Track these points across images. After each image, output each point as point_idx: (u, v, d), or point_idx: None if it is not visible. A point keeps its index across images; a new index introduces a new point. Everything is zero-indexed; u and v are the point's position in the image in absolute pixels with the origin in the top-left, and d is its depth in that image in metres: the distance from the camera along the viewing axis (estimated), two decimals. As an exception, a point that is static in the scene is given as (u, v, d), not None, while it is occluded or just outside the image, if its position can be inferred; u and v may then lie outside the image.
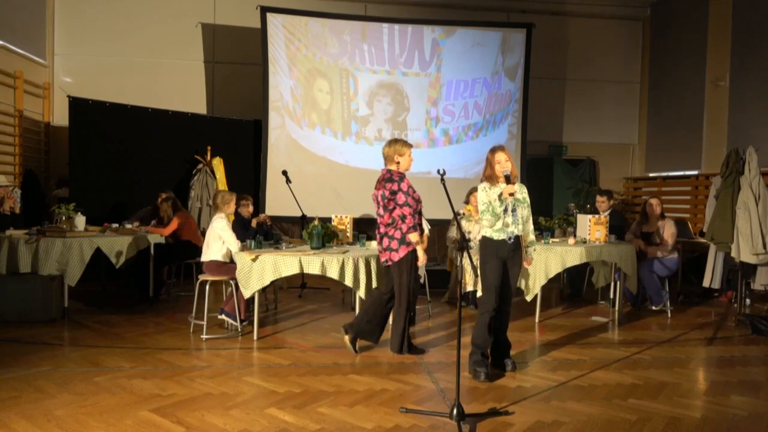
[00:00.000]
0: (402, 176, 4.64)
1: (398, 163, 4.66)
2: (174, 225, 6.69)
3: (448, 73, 9.58)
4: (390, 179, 4.61)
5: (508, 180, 4.21)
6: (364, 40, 9.20)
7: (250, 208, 6.65)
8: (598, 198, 7.23)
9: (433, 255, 9.30)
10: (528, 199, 4.41)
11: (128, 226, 6.87)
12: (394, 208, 4.57)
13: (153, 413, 3.49)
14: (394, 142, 4.72)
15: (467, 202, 6.76)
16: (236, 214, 6.35)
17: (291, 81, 9.07)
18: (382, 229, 4.68)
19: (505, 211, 4.27)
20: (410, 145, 4.75)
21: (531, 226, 4.45)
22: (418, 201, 4.68)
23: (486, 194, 4.27)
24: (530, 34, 9.43)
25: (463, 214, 6.51)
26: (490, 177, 4.33)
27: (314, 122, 9.20)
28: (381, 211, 4.66)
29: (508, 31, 9.60)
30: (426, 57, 9.49)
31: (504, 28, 9.52)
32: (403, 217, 4.56)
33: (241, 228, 6.31)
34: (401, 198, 4.56)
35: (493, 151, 4.34)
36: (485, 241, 4.31)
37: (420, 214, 4.77)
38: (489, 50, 9.64)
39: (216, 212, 5.58)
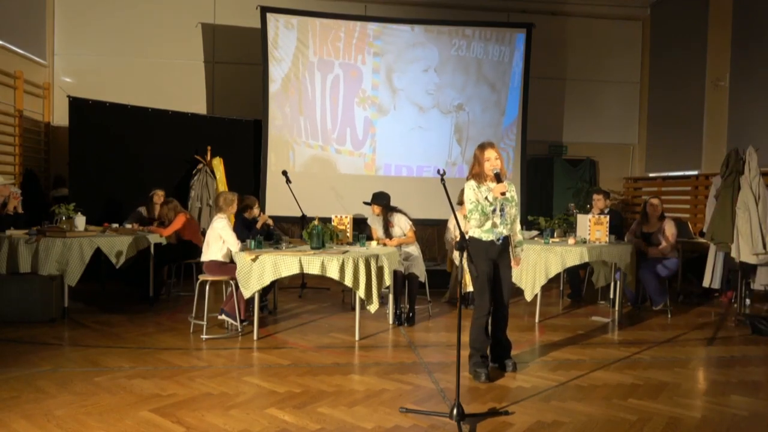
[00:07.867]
0: None
1: None
2: (177, 224, 6.69)
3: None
4: None
5: (499, 178, 4.08)
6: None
7: (256, 211, 6.62)
8: (595, 196, 7.22)
9: (433, 255, 9.32)
10: (516, 198, 4.29)
11: (128, 226, 6.87)
12: None
13: (153, 413, 3.49)
14: None
15: (460, 203, 6.71)
16: (242, 216, 6.30)
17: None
18: None
19: (494, 211, 4.15)
20: None
21: (518, 226, 4.37)
22: None
23: (474, 193, 4.15)
24: (530, 34, 9.41)
25: (463, 216, 6.47)
26: (478, 175, 4.19)
27: None
28: None
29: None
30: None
31: (503, 30, 9.49)
32: None
33: (245, 229, 6.30)
34: None
35: (482, 147, 4.19)
36: (474, 242, 4.19)
37: None
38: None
39: (218, 212, 5.58)
